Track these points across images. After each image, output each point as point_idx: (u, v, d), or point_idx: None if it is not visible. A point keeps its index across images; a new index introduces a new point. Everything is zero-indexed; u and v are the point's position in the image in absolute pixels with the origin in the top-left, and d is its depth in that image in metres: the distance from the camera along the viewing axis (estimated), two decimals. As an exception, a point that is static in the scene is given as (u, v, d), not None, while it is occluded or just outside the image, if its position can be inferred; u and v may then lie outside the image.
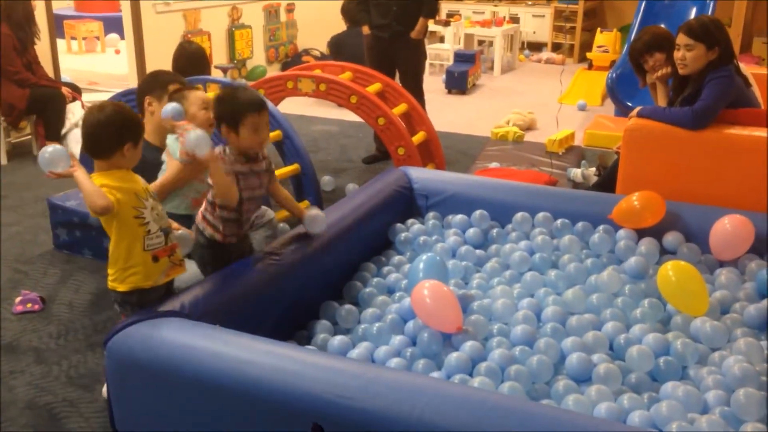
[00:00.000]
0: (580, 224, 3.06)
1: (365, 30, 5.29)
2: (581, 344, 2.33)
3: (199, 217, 2.59)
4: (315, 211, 2.74)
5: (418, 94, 5.18)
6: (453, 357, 2.24)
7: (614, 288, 2.65)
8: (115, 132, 2.19)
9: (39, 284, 3.41)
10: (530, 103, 6.92)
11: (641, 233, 2.98)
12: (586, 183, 4.52)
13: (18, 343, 2.91)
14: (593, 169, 4.63)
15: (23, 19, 5.04)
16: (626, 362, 2.29)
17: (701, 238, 2.91)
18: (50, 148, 2.15)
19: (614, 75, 5.97)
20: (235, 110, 2.44)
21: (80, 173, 2.15)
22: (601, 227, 3.02)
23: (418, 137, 4.44)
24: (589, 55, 8.77)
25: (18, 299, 3.20)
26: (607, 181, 3.83)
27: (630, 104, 5.54)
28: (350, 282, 2.82)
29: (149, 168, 2.72)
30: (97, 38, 8.85)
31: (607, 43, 8.62)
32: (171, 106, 2.60)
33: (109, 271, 2.28)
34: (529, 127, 6.12)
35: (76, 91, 5.42)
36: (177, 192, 2.85)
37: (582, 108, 6.95)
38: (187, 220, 2.73)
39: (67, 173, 2.16)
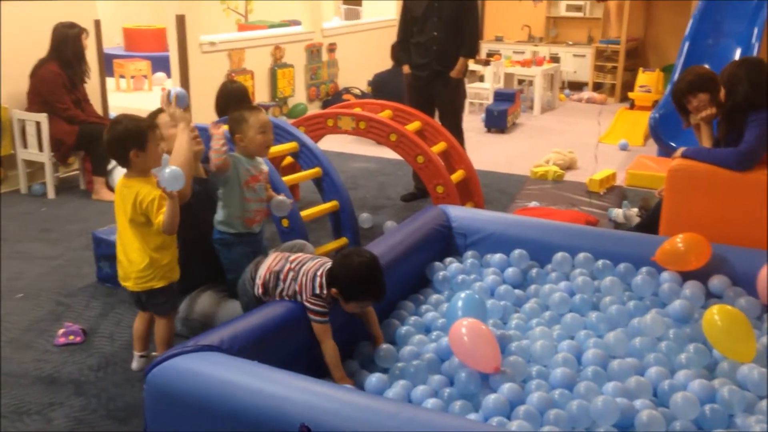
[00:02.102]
0: (622, 266, 3.01)
1: (405, 69, 5.35)
2: (623, 389, 2.27)
3: (260, 279, 2.67)
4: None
5: (458, 132, 5.20)
6: (491, 398, 2.21)
7: (658, 332, 2.59)
8: (120, 143, 2.66)
9: (81, 316, 3.46)
10: (570, 143, 6.88)
11: (686, 276, 2.91)
12: (628, 224, 4.45)
13: (59, 375, 2.95)
14: (635, 210, 4.57)
15: (73, 58, 5.20)
16: (670, 409, 2.22)
17: (748, 282, 2.83)
18: (168, 170, 2.52)
19: (657, 115, 5.91)
20: (359, 290, 2.48)
21: (175, 201, 2.58)
22: (644, 269, 2.96)
23: (456, 176, 4.44)
24: (630, 94, 8.73)
25: (60, 331, 3.25)
26: (650, 222, 3.76)
27: (673, 144, 5.48)
28: (387, 320, 2.81)
29: (198, 197, 2.96)
30: (145, 77, 9.09)
31: (649, 82, 8.58)
32: (177, 90, 2.85)
33: (142, 273, 2.71)
34: (569, 167, 6.07)
35: (123, 128, 5.55)
36: (229, 214, 2.98)
37: (623, 148, 6.89)
38: (246, 237, 3.01)
39: (171, 195, 2.55)
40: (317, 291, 2.49)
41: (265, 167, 3.10)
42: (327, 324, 2.48)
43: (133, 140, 2.66)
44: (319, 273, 2.52)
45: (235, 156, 2.97)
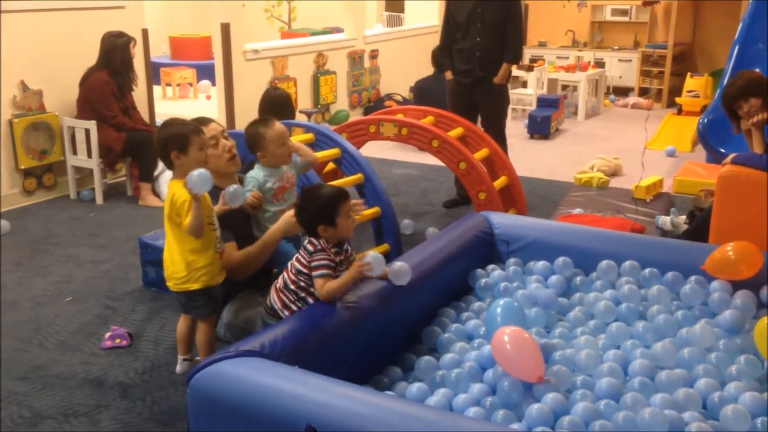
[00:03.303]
0: (669, 274, 2.94)
1: (448, 75, 5.33)
2: (671, 401, 2.21)
3: (277, 303, 2.65)
4: (398, 264, 2.68)
5: (500, 138, 5.16)
6: (534, 408, 2.17)
7: (707, 342, 2.52)
8: (162, 146, 2.76)
9: (127, 320, 3.52)
10: (616, 149, 6.78)
11: (736, 285, 2.83)
12: (675, 231, 4.36)
13: (106, 378, 3.00)
14: (683, 217, 4.47)
15: (122, 66, 5.32)
16: (720, 422, 2.15)
17: (803, 291, 2.74)
18: (197, 172, 2.59)
19: (706, 120, 5.78)
20: (330, 204, 2.53)
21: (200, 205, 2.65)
22: (692, 278, 2.89)
23: (499, 182, 4.40)
24: (678, 100, 8.56)
25: (107, 335, 3.31)
26: (698, 230, 3.68)
27: (723, 150, 5.35)
28: (429, 327, 2.79)
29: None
30: (190, 84, 9.24)
31: (697, 87, 8.40)
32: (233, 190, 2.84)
33: (179, 275, 2.76)
34: (614, 173, 5.98)
35: (169, 135, 5.64)
36: (266, 226, 3.05)
37: (671, 154, 6.76)
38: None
39: (197, 197, 2.61)
40: (311, 248, 2.54)
41: (289, 171, 3.15)
42: (329, 276, 2.51)
43: (175, 143, 2.73)
44: (306, 242, 2.58)
45: (257, 180, 3.07)
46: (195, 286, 2.78)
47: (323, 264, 2.52)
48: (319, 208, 2.55)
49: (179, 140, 2.72)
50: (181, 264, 2.75)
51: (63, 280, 4.01)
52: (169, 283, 2.84)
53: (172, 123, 2.81)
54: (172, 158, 2.73)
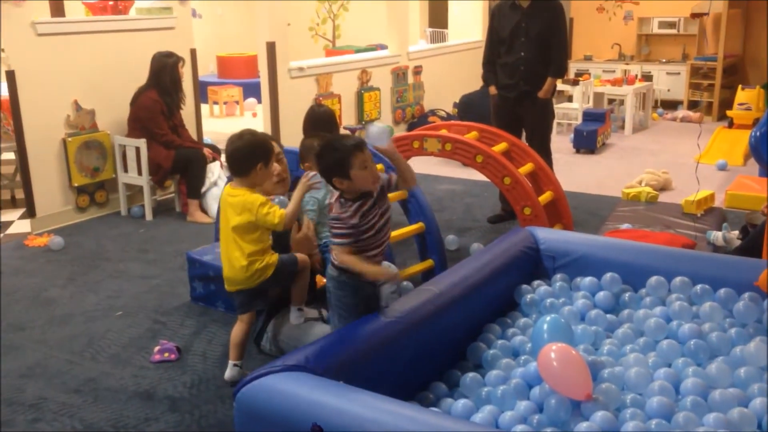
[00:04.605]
0: (722, 291, 2.86)
1: (492, 90, 5.32)
2: (725, 421, 2.15)
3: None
4: (380, 125, 2.63)
5: (545, 153, 5.12)
6: (583, 426, 2.13)
7: (762, 361, 2.44)
8: (249, 154, 2.78)
9: (176, 335, 3.57)
10: (664, 163, 6.66)
11: (792, 302, 2.75)
12: (728, 247, 4.25)
13: (155, 391, 3.05)
14: (736, 232, 4.36)
15: (171, 85, 5.43)
16: (778, 444, 2.09)
17: None
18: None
19: (758, 133, 5.59)
20: (342, 156, 2.50)
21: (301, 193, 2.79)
22: (746, 294, 2.81)
23: (544, 197, 4.36)
24: (729, 113, 8.39)
25: (156, 348, 3.37)
26: (752, 246, 3.59)
27: (776, 164, 5.21)
28: (474, 343, 2.77)
29: None
30: (237, 102, 9.40)
31: (749, 100, 8.22)
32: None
33: (248, 274, 2.86)
34: (663, 188, 5.87)
35: (216, 152, 5.74)
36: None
37: (722, 168, 6.61)
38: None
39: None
40: (335, 213, 2.54)
41: None
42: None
43: (263, 154, 2.82)
44: (331, 200, 2.58)
45: (318, 199, 3.19)
46: (269, 273, 2.91)
47: (338, 233, 2.54)
48: (333, 157, 2.51)
49: (268, 152, 2.81)
50: (244, 266, 2.86)
51: (114, 295, 4.09)
52: (240, 287, 2.93)
53: (254, 133, 2.87)
54: (257, 168, 2.80)
